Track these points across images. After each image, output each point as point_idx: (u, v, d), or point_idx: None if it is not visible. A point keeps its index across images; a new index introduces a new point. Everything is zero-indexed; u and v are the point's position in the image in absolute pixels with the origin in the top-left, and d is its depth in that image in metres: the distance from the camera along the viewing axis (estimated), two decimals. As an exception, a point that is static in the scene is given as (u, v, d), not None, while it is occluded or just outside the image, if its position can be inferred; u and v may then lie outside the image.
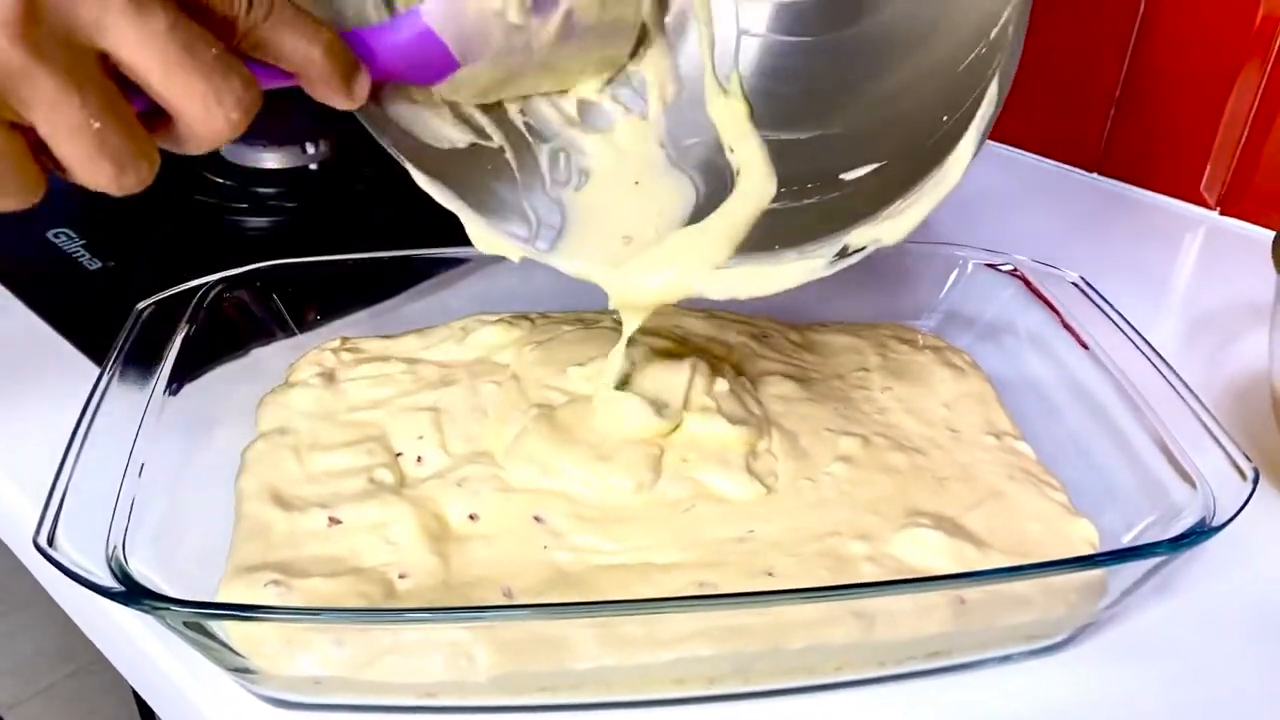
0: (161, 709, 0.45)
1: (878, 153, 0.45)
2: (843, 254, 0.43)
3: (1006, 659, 0.43)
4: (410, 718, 0.40)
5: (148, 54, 0.33)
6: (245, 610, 0.37)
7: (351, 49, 0.38)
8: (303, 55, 0.37)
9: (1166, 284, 0.72)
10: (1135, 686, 0.43)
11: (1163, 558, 0.41)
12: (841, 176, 0.45)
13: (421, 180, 0.44)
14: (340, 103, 0.39)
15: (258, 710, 0.40)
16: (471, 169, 0.45)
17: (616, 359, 0.47)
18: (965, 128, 0.41)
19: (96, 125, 0.32)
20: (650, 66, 0.48)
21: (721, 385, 0.50)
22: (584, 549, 0.42)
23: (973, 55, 0.42)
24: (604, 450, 0.45)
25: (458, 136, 0.45)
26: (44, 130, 0.32)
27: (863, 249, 0.43)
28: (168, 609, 0.36)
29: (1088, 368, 0.53)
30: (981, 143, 0.41)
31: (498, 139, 0.46)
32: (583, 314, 0.55)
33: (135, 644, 0.44)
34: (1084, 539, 0.45)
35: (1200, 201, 0.78)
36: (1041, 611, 0.41)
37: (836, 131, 0.46)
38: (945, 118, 0.42)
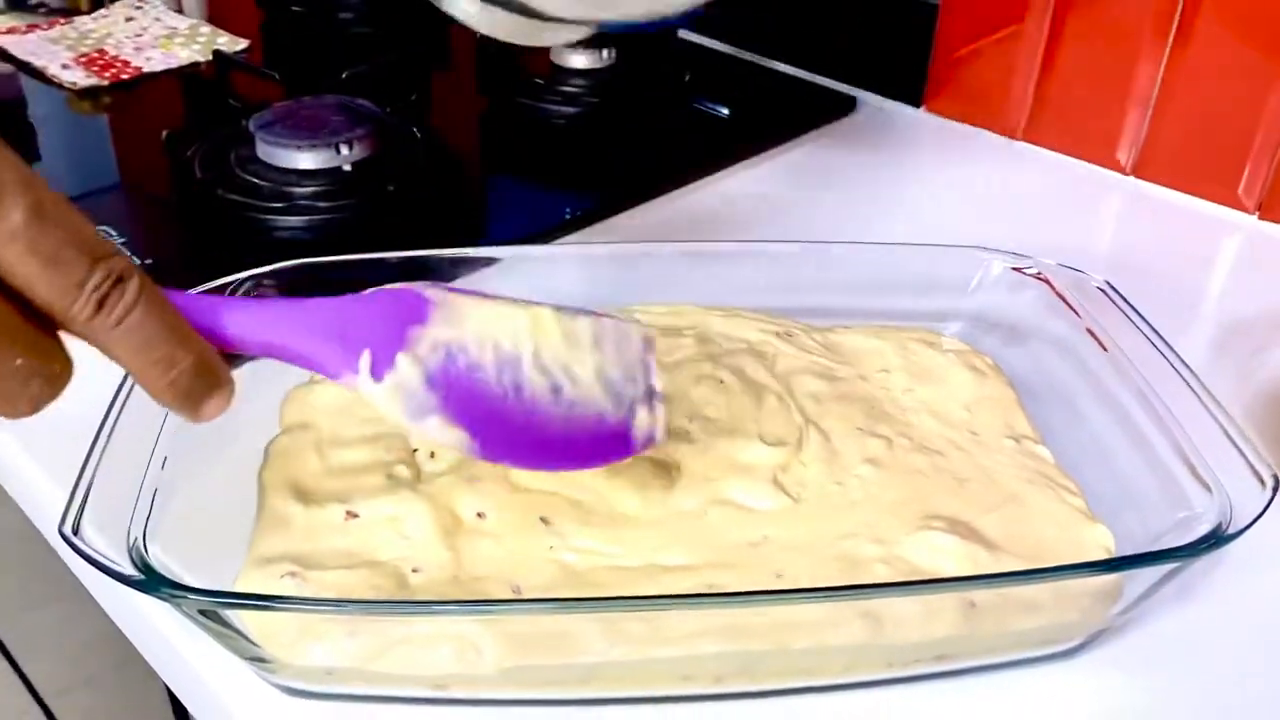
0: (186, 697, 0.46)
1: None
2: None
3: (1018, 664, 0.43)
4: (421, 709, 0.41)
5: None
6: (258, 600, 0.38)
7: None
8: (141, 373, 0.33)
9: (1201, 289, 0.71)
10: (1150, 695, 0.43)
11: (1176, 564, 0.40)
12: None
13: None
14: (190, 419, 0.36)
15: (274, 699, 0.41)
16: None
17: None
18: None
19: None
20: None
21: (771, 402, 0.50)
22: (589, 551, 0.43)
23: None
24: (617, 463, 0.46)
25: None
26: None
27: None
28: (185, 597, 0.37)
29: (1111, 372, 0.52)
30: None
31: None
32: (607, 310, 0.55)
33: (159, 632, 0.45)
34: (1099, 544, 0.44)
35: (1238, 205, 0.77)
36: (1053, 616, 0.41)
37: None
38: None
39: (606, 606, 0.39)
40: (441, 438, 0.38)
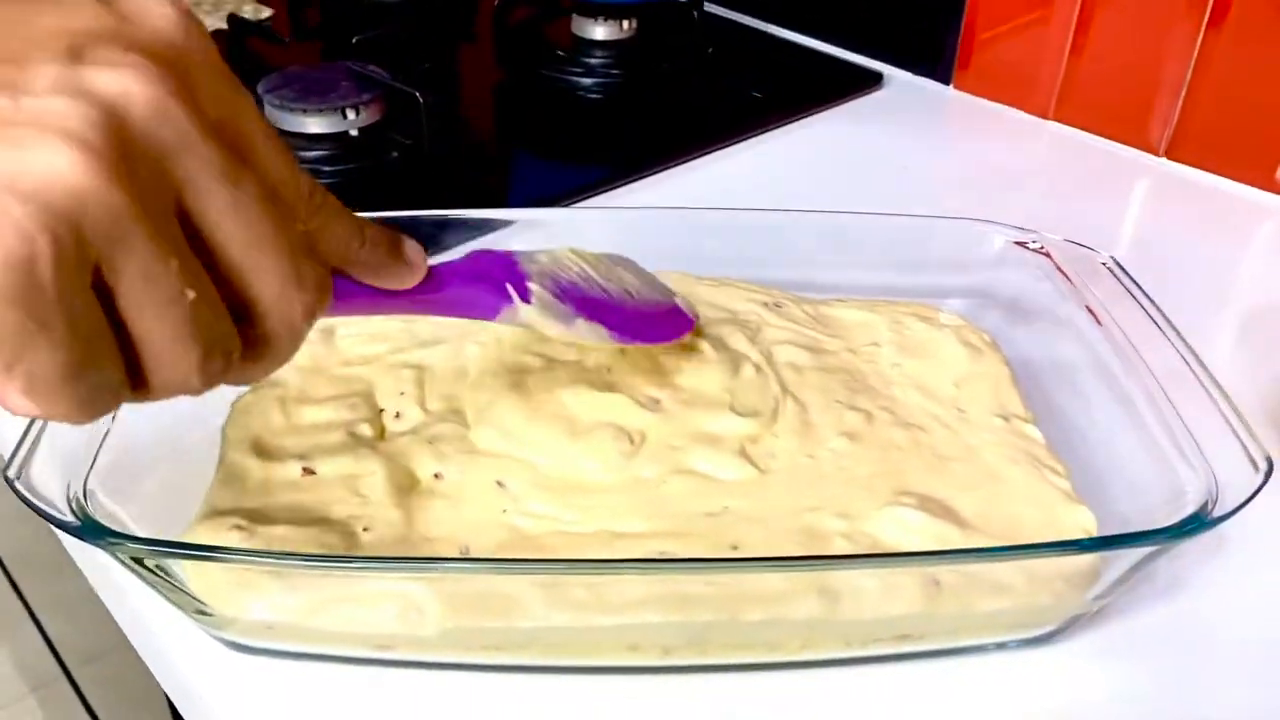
0: (143, 652, 0.46)
1: None
2: None
3: (987, 648, 0.41)
4: (364, 669, 0.40)
5: (235, 220, 0.28)
6: (190, 549, 0.37)
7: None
8: (353, 244, 0.33)
9: (1232, 273, 0.68)
10: (1127, 688, 0.41)
11: (1151, 548, 0.38)
12: None
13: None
14: (403, 279, 0.36)
15: (218, 654, 0.41)
16: None
17: None
18: None
19: (191, 295, 0.27)
20: None
21: (748, 372, 0.48)
22: (543, 516, 0.42)
23: None
24: (576, 427, 0.44)
25: None
26: (128, 299, 0.26)
27: None
28: (121, 544, 0.37)
29: (1112, 351, 0.50)
30: None
31: None
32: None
33: (119, 587, 0.44)
34: (1079, 526, 0.42)
35: (1274, 188, 0.73)
36: (1023, 599, 0.39)
37: None
38: None
39: (543, 568, 0.38)
40: (590, 334, 0.43)
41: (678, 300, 0.50)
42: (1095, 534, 0.42)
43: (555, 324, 0.42)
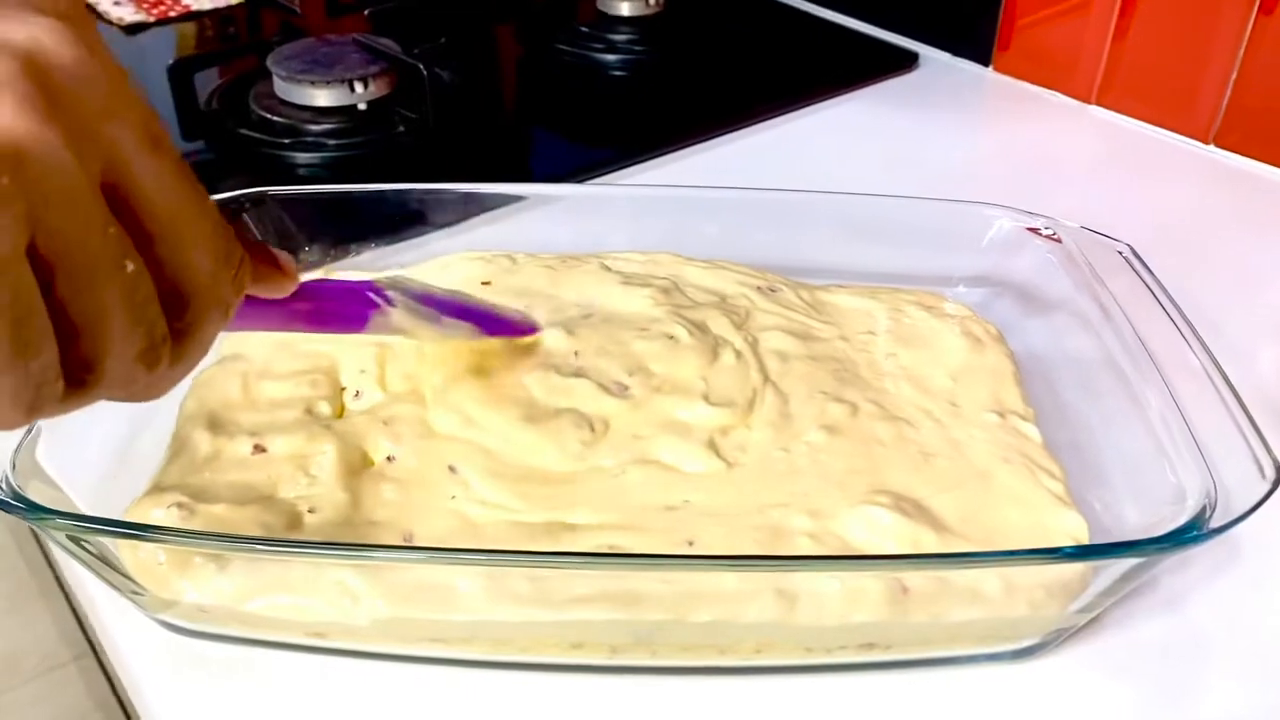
0: (90, 631, 0.45)
1: None
2: None
3: (960, 660, 0.38)
4: (299, 656, 0.39)
5: (167, 191, 0.26)
6: (108, 527, 0.36)
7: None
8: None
9: (1272, 269, 0.64)
10: (1113, 708, 0.38)
11: (1139, 559, 0.35)
12: None
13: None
14: (281, 286, 0.33)
15: (155, 634, 0.39)
16: None
17: None
18: None
19: (130, 267, 0.25)
20: None
21: (728, 359, 0.46)
22: (492, 504, 0.40)
23: None
24: (534, 412, 0.42)
25: None
26: (67, 269, 0.24)
27: None
28: (51, 520, 0.35)
29: (1124, 348, 0.46)
30: None
31: None
32: (572, 255, 0.52)
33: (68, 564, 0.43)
34: (1068, 533, 0.39)
35: (1328, 179, 0.69)
36: (999, 609, 0.36)
37: None
38: None
39: (476, 560, 0.36)
40: (459, 331, 0.43)
41: (515, 314, 0.48)
42: (1085, 541, 0.39)
43: (424, 325, 0.42)
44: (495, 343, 0.45)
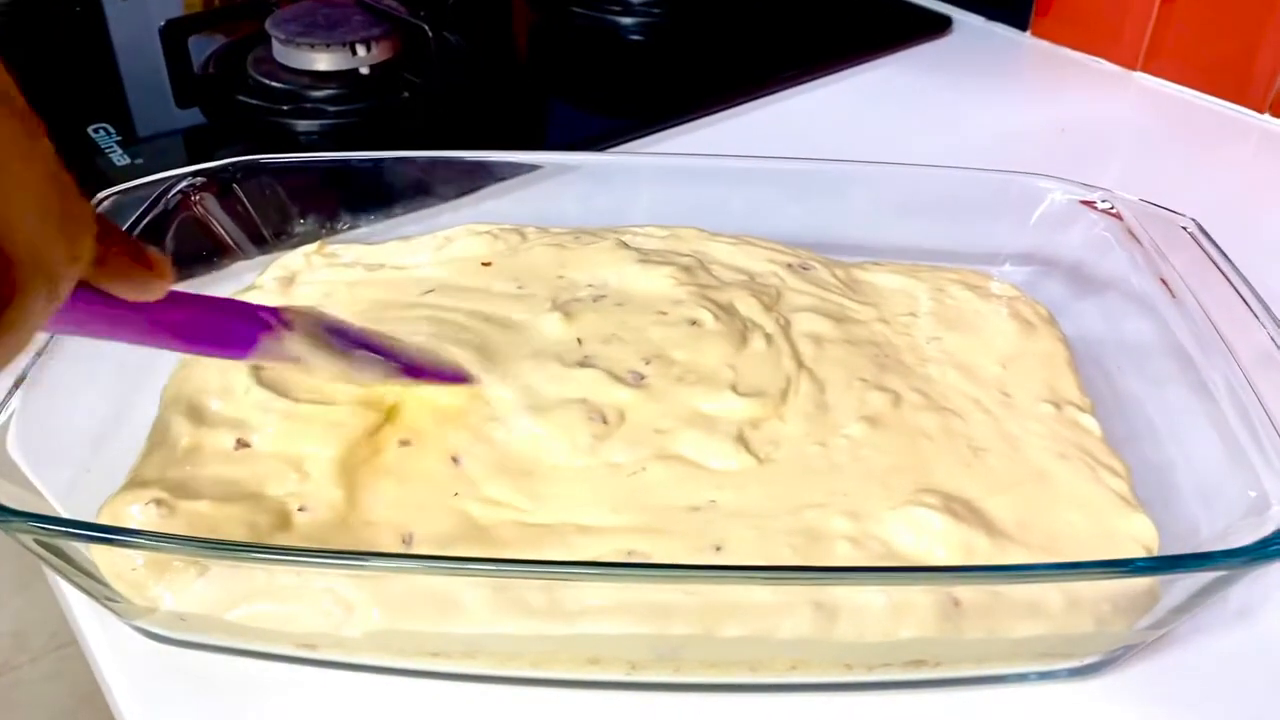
0: (74, 633, 0.42)
1: None
2: None
3: (1016, 678, 0.35)
4: (287, 668, 0.35)
5: None
6: (83, 530, 0.32)
7: None
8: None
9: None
10: (1183, 732, 0.34)
11: (1222, 572, 0.31)
12: None
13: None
14: (148, 288, 0.29)
15: (134, 642, 0.36)
16: None
17: None
18: None
19: None
20: None
21: (758, 344, 0.42)
22: (498, 502, 0.36)
23: None
24: (540, 399, 0.39)
25: None
26: None
27: None
28: (8, 521, 0.32)
29: (1189, 332, 0.43)
30: None
31: None
32: (586, 229, 0.48)
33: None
34: (1136, 539, 0.35)
35: (1394, 150, 0.64)
36: (1060, 625, 0.33)
37: None
38: None
39: (482, 570, 0.32)
40: (373, 368, 0.38)
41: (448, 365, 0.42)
42: (1155, 549, 0.35)
43: (328, 357, 0.37)
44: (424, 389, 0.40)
